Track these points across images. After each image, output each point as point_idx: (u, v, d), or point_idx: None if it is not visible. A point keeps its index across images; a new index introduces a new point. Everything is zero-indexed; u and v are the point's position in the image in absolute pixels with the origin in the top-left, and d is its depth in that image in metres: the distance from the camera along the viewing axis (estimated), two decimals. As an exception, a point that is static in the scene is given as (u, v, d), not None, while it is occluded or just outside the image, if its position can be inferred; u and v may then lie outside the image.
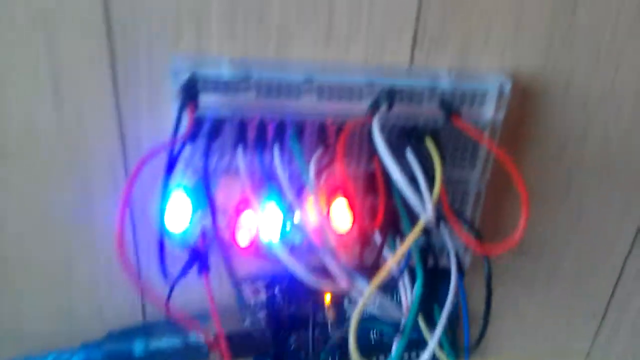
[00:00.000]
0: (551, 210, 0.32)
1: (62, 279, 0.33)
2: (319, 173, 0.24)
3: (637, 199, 0.32)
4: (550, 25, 0.27)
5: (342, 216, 0.23)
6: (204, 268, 0.27)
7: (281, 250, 0.22)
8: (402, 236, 0.25)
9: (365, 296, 0.21)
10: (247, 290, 0.33)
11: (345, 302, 0.34)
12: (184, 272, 0.25)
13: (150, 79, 0.27)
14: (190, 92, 0.24)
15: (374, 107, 0.25)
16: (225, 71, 0.26)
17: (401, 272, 0.24)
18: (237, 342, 0.32)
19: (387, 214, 0.24)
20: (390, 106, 0.25)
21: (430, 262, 0.26)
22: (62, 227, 0.31)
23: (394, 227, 0.25)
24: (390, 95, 0.25)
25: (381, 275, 0.21)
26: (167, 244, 0.23)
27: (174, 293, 0.26)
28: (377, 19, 0.26)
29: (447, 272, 0.28)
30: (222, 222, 0.24)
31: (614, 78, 0.28)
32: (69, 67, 0.27)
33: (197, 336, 0.32)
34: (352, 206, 0.24)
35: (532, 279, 0.35)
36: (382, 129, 0.27)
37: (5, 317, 0.34)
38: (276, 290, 0.33)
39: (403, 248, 0.22)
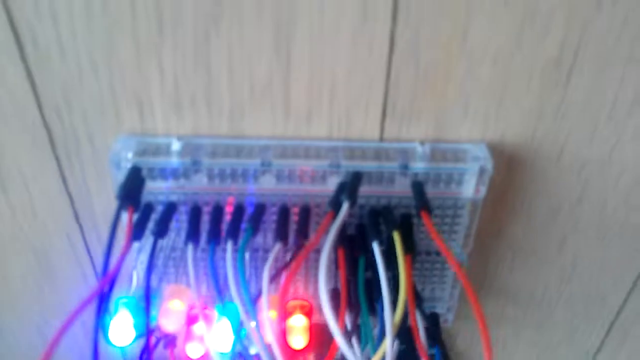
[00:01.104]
0: (543, 266, 0.30)
1: (39, 340, 0.33)
2: (276, 276, 0.22)
3: (632, 258, 0.30)
4: (540, 95, 0.24)
5: (298, 334, 0.22)
6: (171, 344, 0.26)
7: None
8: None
9: None
10: None
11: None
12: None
13: (95, 160, 0.25)
14: (128, 194, 0.22)
15: (336, 204, 0.22)
16: (173, 158, 0.23)
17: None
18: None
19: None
20: (353, 202, 0.22)
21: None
22: (31, 297, 0.31)
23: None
24: (356, 183, 0.23)
25: None
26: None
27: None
28: (341, 92, 0.23)
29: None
30: (169, 333, 0.23)
31: (614, 147, 0.25)
32: (8, 154, 0.25)
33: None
34: (311, 315, 0.22)
35: (521, 324, 0.33)
36: (350, 214, 0.25)
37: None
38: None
39: None
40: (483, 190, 0.24)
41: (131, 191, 0.22)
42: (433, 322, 0.28)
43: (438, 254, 0.27)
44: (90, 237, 0.28)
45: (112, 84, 0.23)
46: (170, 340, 0.26)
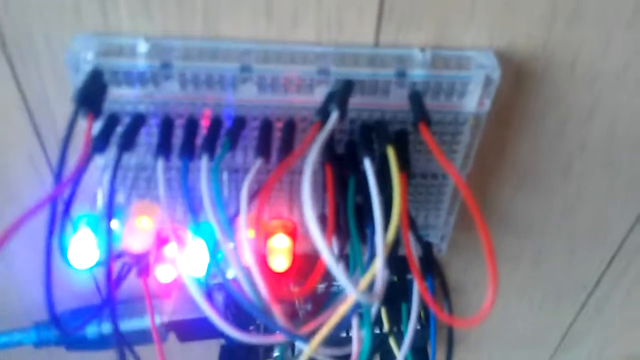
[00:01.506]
0: (544, 196, 0.28)
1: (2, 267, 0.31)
2: (255, 196, 0.20)
3: (637, 190, 0.28)
4: (553, 2, 0.21)
5: (279, 255, 0.20)
6: (144, 272, 0.24)
7: (198, 295, 0.18)
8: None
9: (304, 356, 0.18)
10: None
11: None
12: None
13: (54, 64, 0.22)
14: (87, 99, 0.19)
15: (324, 113, 0.20)
16: (139, 61, 0.20)
17: (348, 319, 0.21)
18: (193, 327, 0.31)
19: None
20: (343, 114, 0.20)
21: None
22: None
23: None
24: (346, 92, 0.20)
25: (317, 341, 0.18)
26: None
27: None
28: (331, -12, 0.20)
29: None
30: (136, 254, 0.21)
31: (631, 60, 0.23)
32: None
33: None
34: (295, 235, 0.20)
35: (519, 256, 0.32)
36: (340, 129, 0.22)
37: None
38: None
39: (333, 319, 0.18)
40: (487, 103, 0.22)
41: (91, 96, 0.19)
42: (427, 251, 0.27)
43: (434, 176, 0.25)
44: (51, 151, 0.25)
45: (67, -28, 0.20)
46: (143, 267, 0.24)
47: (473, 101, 0.22)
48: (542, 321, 0.36)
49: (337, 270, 0.17)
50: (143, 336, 0.31)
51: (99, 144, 0.20)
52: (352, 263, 0.22)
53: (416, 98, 0.21)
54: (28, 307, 0.32)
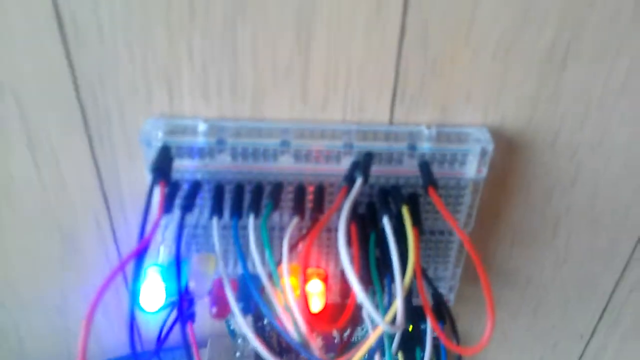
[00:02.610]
0: (538, 250, 0.32)
1: (57, 317, 0.34)
2: (294, 247, 0.24)
3: (622, 241, 0.32)
4: (536, 84, 0.26)
5: (315, 297, 0.24)
6: (189, 318, 0.28)
7: (247, 329, 0.22)
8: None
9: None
10: (236, 323, 0.34)
11: (334, 331, 0.35)
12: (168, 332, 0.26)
13: (125, 140, 0.27)
14: (160, 169, 0.23)
15: (350, 179, 0.24)
16: (199, 138, 0.25)
17: (374, 352, 0.24)
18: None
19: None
20: (366, 179, 0.24)
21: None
22: (51, 275, 0.32)
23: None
24: (368, 162, 0.25)
25: None
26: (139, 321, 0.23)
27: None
28: (355, 79, 0.25)
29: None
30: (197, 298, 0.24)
31: (605, 130, 0.27)
32: (42, 131, 0.27)
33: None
34: (326, 285, 0.24)
35: (518, 308, 0.35)
36: (362, 192, 0.27)
37: (10, 345, 0.36)
38: (264, 321, 0.34)
39: (363, 349, 0.22)
40: (484, 170, 0.26)
41: (162, 167, 0.24)
42: (438, 299, 0.30)
43: (442, 233, 0.29)
44: (117, 218, 0.30)
45: (145, 67, 0.25)
46: (190, 314, 0.28)
47: (472, 169, 0.26)
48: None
49: (367, 302, 0.20)
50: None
51: (166, 206, 0.24)
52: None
53: (425, 167, 0.25)
54: (75, 354, 0.36)
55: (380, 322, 0.20)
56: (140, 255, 0.21)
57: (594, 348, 0.38)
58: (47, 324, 0.35)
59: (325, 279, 0.25)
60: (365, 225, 0.26)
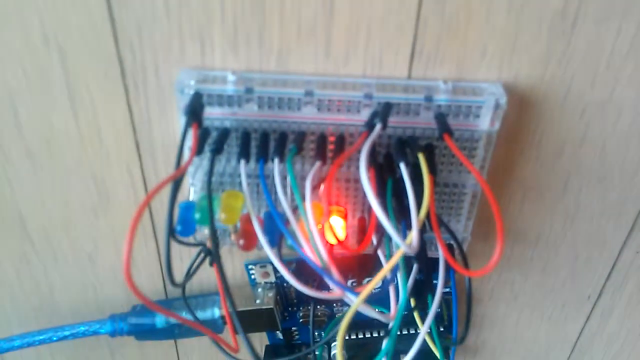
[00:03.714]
0: (548, 206, 0.33)
1: (88, 265, 0.36)
2: (315, 188, 0.26)
3: (630, 199, 0.33)
4: (547, 43, 0.27)
5: (335, 229, 0.25)
6: (215, 260, 0.30)
7: (274, 258, 0.24)
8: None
9: (353, 307, 0.23)
10: (257, 273, 0.36)
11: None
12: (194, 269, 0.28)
13: (159, 92, 0.29)
14: (193, 112, 0.25)
15: (370, 125, 0.26)
16: (229, 87, 0.27)
17: (389, 283, 0.26)
18: (249, 318, 0.35)
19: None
20: (384, 125, 0.26)
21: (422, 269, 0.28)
22: (84, 224, 0.34)
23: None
24: (385, 111, 0.26)
25: (366, 291, 0.23)
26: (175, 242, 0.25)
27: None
28: (375, 37, 0.27)
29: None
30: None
31: (613, 89, 0.29)
32: (82, 83, 0.28)
33: (213, 313, 0.36)
34: (346, 219, 0.26)
35: (529, 265, 0.36)
36: (379, 143, 0.28)
37: (41, 296, 0.38)
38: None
39: (383, 271, 0.23)
40: (497, 123, 0.28)
41: (195, 111, 0.26)
42: (449, 249, 0.32)
43: (455, 185, 0.30)
44: (147, 168, 0.32)
45: (180, 23, 0.27)
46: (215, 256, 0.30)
47: (486, 122, 0.28)
48: (552, 334, 0.40)
49: (388, 224, 0.22)
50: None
51: (198, 148, 0.26)
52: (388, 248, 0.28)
53: (441, 118, 0.27)
54: (102, 302, 0.38)
55: (400, 244, 0.22)
56: (176, 182, 0.23)
57: (600, 309, 0.39)
58: (77, 274, 0.37)
59: (345, 216, 0.27)
60: (383, 173, 0.28)
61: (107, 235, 0.35)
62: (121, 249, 0.35)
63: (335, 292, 0.24)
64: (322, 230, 0.25)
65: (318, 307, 0.38)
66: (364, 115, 0.27)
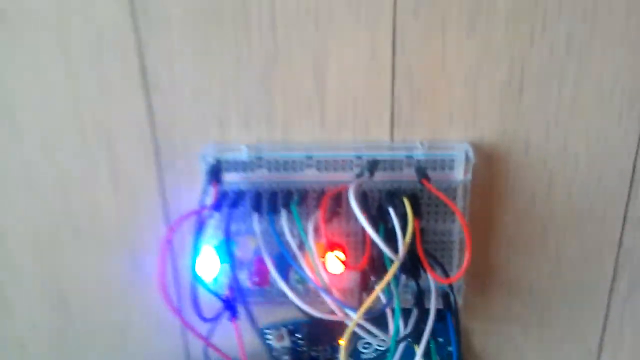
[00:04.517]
0: (533, 257, 0.37)
1: (118, 339, 0.39)
2: (317, 230, 0.30)
3: (606, 244, 0.36)
4: (501, 107, 0.33)
5: (335, 263, 0.29)
6: (234, 315, 0.33)
7: (285, 288, 0.28)
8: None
9: (354, 321, 0.27)
10: (273, 337, 0.38)
11: (359, 346, 0.39)
12: (218, 316, 0.32)
13: (186, 165, 0.35)
14: (214, 174, 0.31)
15: (359, 176, 0.31)
16: (243, 154, 0.33)
17: (386, 306, 0.29)
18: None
19: (373, 260, 0.30)
20: (371, 174, 0.31)
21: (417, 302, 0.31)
22: (118, 292, 0.38)
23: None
24: (373, 165, 0.32)
25: (365, 306, 0.27)
26: (200, 291, 0.29)
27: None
28: (360, 110, 0.33)
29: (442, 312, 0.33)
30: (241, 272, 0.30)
31: (566, 139, 0.34)
32: (123, 163, 0.35)
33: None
34: (345, 254, 0.30)
35: (527, 320, 0.38)
36: (370, 193, 0.33)
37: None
38: (298, 335, 0.39)
39: (382, 284, 0.27)
40: (469, 174, 0.33)
41: (215, 174, 0.31)
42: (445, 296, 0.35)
43: (443, 233, 0.34)
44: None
45: (203, 109, 0.34)
46: (233, 311, 0.33)
47: (460, 172, 0.33)
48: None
49: (378, 239, 0.26)
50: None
51: (217, 206, 0.31)
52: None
53: (420, 169, 0.32)
54: None
55: (394, 257, 0.26)
56: (199, 224, 0.28)
57: (607, 364, 0.40)
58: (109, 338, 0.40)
59: (344, 251, 0.31)
60: (375, 222, 0.32)
61: (140, 303, 0.38)
62: (154, 315, 0.39)
63: (337, 313, 0.27)
64: (324, 263, 0.29)
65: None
66: (356, 171, 0.33)
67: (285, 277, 0.30)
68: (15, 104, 0.34)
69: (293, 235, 0.30)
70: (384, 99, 0.33)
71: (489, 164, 0.34)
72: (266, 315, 0.38)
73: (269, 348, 0.38)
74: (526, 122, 0.34)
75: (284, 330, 0.38)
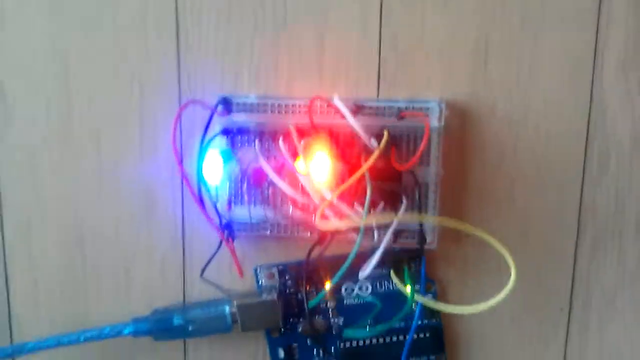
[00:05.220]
0: (501, 212, 0.41)
1: (123, 281, 0.44)
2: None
3: (570, 198, 0.40)
4: (471, 73, 0.39)
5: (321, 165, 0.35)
6: (231, 235, 0.38)
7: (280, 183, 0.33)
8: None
9: (326, 202, 0.31)
10: (263, 275, 0.42)
11: (343, 291, 0.42)
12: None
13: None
14: (225, 103, 0.37)
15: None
16: (251, 98, 0.39)
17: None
18: (252, 312, 0.40)
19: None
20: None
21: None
22: (125, 239, 0.43)
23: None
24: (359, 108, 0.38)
25: (341, 188, 0.32)
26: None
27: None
28: (352, 70, 0.40)
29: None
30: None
31: (527, 104, 0.40)
32: (151, 107, 0.41)
33: (223, 313, 0.41)
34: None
35: (498, 273, 0.41)
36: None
37: (76, 308, 0.44)
38: (287, 277, 0.42)
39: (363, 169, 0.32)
40: (442, 122, 0.38)
41: (225, 103, 0.38)
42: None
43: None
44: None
45: (223, 63, 0.40)
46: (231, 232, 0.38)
47: (434, 120, 0.38)
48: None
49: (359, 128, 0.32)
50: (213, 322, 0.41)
51: (226, 131, 0.37)
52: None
53: (400, 111, 0.38)
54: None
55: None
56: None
57: (577, 322, 0.42)
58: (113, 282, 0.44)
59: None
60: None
61: (145, 250, 0.43)
62: (158, 259, 0.43)
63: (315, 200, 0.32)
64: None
65: (316, 317, 0.42)
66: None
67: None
68: (69, 61, 0.41)
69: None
70: (372, 63, 0.40)
71: (460, 124, 0.40)
72: (258, 256, 0.42)
73: (260, 289, 0.42)
74: (492, 88, 0.40)
75: (274, 269, 0.42)
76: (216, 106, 0.36)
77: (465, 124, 0.40)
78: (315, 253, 0.38)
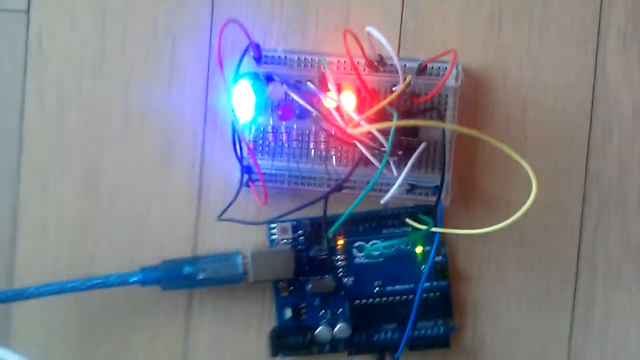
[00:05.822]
0: (510, 177, 0.42)
1: (135, 231, 0.43)
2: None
3: (576, 165, 0.42)
4: (484, 40, 0.42)
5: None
6: (250, 178, 0.39)
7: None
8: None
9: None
10: (277, 229, 0.42)
11: (355, 250, 0.43)
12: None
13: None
14: (255, 46, 0.39)
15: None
16: (280, 52, 0.41)
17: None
18: (266, 263, 0.40)
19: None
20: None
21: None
22: (141, 186, 0.43)
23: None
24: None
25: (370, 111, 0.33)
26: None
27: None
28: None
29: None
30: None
31: (536, 71, 0.42)
32: (183, 60, 0.43)
33: (234, 262, 0.41)
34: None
35: (506, 239, 0.42)
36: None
37: (84, 258, 0.44)
38: (300, 232, 0.43)
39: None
40: (459, 81, 0.40)
41: (255, 46, 0.39)
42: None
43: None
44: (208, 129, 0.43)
45: (253, 21, 0.42)
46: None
47: (452, 80, 0.40)
48: (543, 332, 0.43)
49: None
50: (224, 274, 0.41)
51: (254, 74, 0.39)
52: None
53: (419, 66, 0.40)
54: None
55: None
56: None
57: (584, 299, 0.43)
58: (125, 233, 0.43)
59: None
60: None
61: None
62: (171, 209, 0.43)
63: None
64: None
65: (326, 275, 0.43)
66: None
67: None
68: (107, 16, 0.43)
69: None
70: (394, 27, 0.42)
71: (474, 87, 0.42)
72: (272, 210, 0.42)
73: (272, 244, 0.42)
74: (504, 55, 0.42)
75: (288, 224, 0.42)
76: (251, 43, 0.38)
77: (477, 90, 0.42)
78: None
